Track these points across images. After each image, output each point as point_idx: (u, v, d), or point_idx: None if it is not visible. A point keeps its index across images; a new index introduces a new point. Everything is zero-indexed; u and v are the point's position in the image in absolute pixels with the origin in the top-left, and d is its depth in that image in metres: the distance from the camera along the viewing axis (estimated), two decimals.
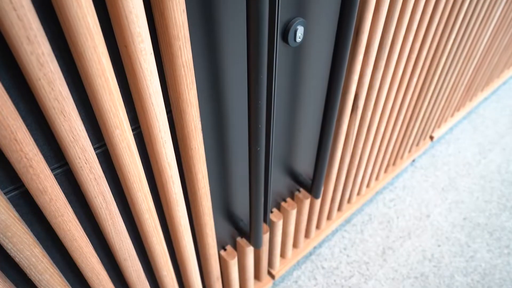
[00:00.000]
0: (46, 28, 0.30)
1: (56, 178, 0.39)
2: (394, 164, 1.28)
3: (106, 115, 0.36)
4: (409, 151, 1.33)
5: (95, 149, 0.40)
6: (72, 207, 0.43)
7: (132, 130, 0.43)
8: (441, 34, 0.89)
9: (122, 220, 0.47)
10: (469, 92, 1.46)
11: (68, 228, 0.40)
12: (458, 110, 1.50)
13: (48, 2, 0.29)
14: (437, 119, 1.35)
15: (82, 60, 0.31)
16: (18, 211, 0.38)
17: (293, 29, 0.53)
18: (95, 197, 0.41)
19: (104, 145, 0.41)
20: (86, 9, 0.28)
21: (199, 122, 0.46)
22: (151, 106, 0.39)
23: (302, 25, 0.54)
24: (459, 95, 1.37)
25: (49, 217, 0.38)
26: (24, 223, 0.36)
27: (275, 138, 0.67)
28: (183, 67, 0.39)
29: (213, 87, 0.48)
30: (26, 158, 0.32)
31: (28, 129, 0.34)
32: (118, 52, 0.37)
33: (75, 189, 0.42)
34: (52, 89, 0.29)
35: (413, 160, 1.45)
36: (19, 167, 0.32)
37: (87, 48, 0.30)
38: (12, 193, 0.36)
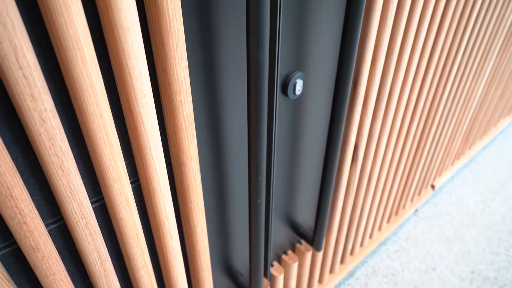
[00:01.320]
0: (50, 84, 0.31)
1: (50, 234, 0.38)
2: (396, 214, 1.26)
3: (105, 169, 0.35)
4: (411, 200, 1.31)
5: (92, 203, 0.40)
6: (64, 264, 0.41)
7: (131, 183, 0.42)
8: (437, 85, 0.91)
9: (116, 278, 0.45)
10: (468, 141, 1.47)
11: (60, 287, 0.38)
12: (458, 158, 1.51)
13: (54, 60, 0.30)
14: (438, 168, 1.34)
15: (84, 115, 0.31)
16: (8, 269, 0.36)
17: (292, 82, 0.55)
18: (90, 254, 0.40)
19: (102, 198, 0.40)
20: (91, 66, 0.29)
21: (199, 175, 0.45)
22: (151, 160, 0.39)
23: (301, 79, 0.55)
24: (458, 144, 1.37)
25: (40, 276, 0.36)
26: (13, 283, 0.35)
27: (275, 189, 0.66)
28: (184, 120, 0.40)
29: (213, 140, 0.48)
30: (20, 214, 0.31)
31: (25, 183, 0.33)
32: (120, 106, 0.37)
33: (69, 245, 0.40)
34: (53, 144, 0.29)
35: (416, 210, 1.42)
36: (12, 223, 0.31)
37: (90, 104, 0.31)
38: (3, 251, 0.35)
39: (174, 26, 0.34)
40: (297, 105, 0.59)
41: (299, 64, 0.54)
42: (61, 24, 0.26)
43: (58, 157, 0.30)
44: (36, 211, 0.32)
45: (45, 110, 0.28)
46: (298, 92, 0.56)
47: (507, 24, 1.04)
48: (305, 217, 0.79)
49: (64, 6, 0.25)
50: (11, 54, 0.24)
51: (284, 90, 0.55)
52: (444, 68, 0.89)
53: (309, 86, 0.59)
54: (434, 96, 0.93)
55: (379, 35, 0.62)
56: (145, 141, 0.37)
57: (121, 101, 0.36)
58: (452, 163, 1.48)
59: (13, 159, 0.31)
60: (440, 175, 1.42)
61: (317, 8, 0.51)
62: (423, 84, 0.85)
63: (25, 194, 0.31)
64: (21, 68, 0.25)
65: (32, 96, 0.26)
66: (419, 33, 0.71)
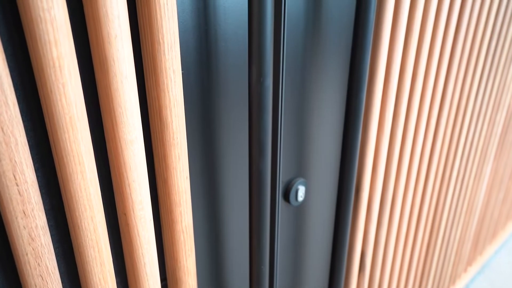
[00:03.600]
0: (45, 198, 0.30)
1: None
2: None
3: None
4: None
5: None
6: None
7: None
8: (439, 189, 0.91)
9: None
10: (478, 246, 1.41)
11: None
12: (471, 265, 1.43)
13: (52, 172, 0.30)
14: (450, 276, 1.26)
15: (77, 229, 0.30)
16: None
17: (294, 189, 0.54)
18: None
19: None
20: (90, 181, 0.28)
21: None
22: (145, 276, 0.36)
23: (303, 185, 0.55)
24: (468, 249, 1.31)
25: None
26: None
27: None
28: (183, 232, 0.38)
29: (213, 252, 0.45)
30: None
31: None
32: (116, 218, 0.35)
33: None
34: (38, 264, 0.27)
35: None
36: None
37: (84, 218, 0.29)
38: None
39: (177, 138, 0.35)
40: (300, 212, 0.57)
41: (301, 170, 0.54)
42: (65, 140, 0.26)
43: (42, 278, 0.28)
44: None
45: (36, 227, 0.26)
46: (300, 199, 0.55)
47: (498, 131, 1.08)
48: None
49: (70, 123, 0.26)
50: (9, 171, 0.24)
51: (286, 197, 0.54)
52: (444, 173, 0.89)
53: (311, 193, 0.58)
54: (438, 200, 0.92)
55: (378, 144, 0.63)
56: (140, 256, 0.35)
57: (117, 213, 0.34)
58: (465, 270, 1.39)
59: None
60: (454, 283, 1.32)
61: (316, 116, 0.52)
62: (425, 188, 0.84)
63: None
64: (17, 185, 0.24)
65: (24, 213, 0.25)
66: (416, 140, 0.73)
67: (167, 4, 0.30)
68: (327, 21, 0.47)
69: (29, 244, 0.26)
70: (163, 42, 0.31)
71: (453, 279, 1.30)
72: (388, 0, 0.51)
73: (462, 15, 0.67)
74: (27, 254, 0.26)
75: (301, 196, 0.55)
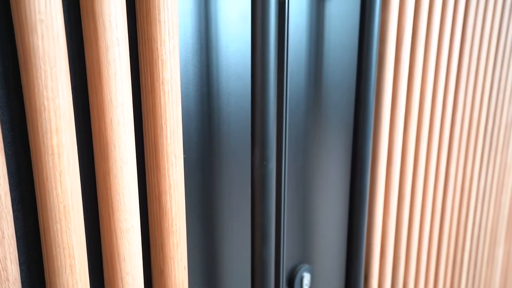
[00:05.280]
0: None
1: None
2: None
3: None
4: None
5: None
6: None
7: None
8: (451, 276, 0.86)
9: None
10: None
11: None
12: None
13: (39, 267, 0.27)
14: None
15: None
16: None
17: (299, 277, 0.51)
18: None
19: None
20: (79, 275, 0.26)
21: None
22: None
23: (308, 272, 0.51)
24: None
25: None
26: None
27: None
28: None
29: None
30: None
31: None
32: None
33: None
34: None
35: None
36: None
37: None
38: None
39: (176, 225, 0.33)
40: None
41: (305, 256, 0.51)
42: (56, 230, 0.24)
43: None
44: None
45: None
46: (306, 287, 0.51)
47: (505, 212, 1.05)
48: None
49: (63, 212, 0.24)
50: None
51: (291, 285, 0.51)
52: (455, 257, 0.85)
53: (317, 280, 0.54)
54: (451, 287, 0.86)
55: (384, 228, 0.61)
56: None
57: None
58: None
59: None
60: None
61: (320, 199, 0.51)
62: (437, 275, 0.79)
63: None
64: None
65: None
66: (423, 224, 0.70)
67: (171, 91, 0.31)
68: (327, 103, 0.48)
69: None
70: (166, 127, 0.31)
71: None
72: (386, 86, 0.53)
73: (457, 99, 0.69)
74: None
75: (307, 285, 0.52)
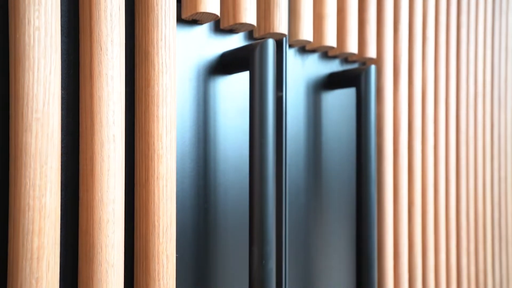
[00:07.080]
0: None
1: None
2: None
3: None
4: None
5: None
6: None
7: None
8: None
9: None
10: None
11: None
12: None
13: None
14: None
15: None
16: None
17: None
18: None
19: None
20: None
21: None
22: None
23: None
24: None
25: None
26: None
27: None
28: None
29: None
30: None
31: None
32: None
33: None
34: None
35: None
36: None
37: None
38: None
39: None
40: None
41: None
42: None
43: None
44: None
45: None
46: None
47: None
48: None
49: None
50: None
51: None
52: None
53: None
54: None
55: None
56: None
57: None
58: None
59: None
60: None
61: None
62: None
63: None
64: None
65: None
66: None
67: (166, 186, 0.29)
68: (327, 195, 0.47)
69: None
70: (159, 224, 0.29)
71: None
72: (387, 177, 0.52)
73: (459, 189, 0.68)
74: None
75: None
